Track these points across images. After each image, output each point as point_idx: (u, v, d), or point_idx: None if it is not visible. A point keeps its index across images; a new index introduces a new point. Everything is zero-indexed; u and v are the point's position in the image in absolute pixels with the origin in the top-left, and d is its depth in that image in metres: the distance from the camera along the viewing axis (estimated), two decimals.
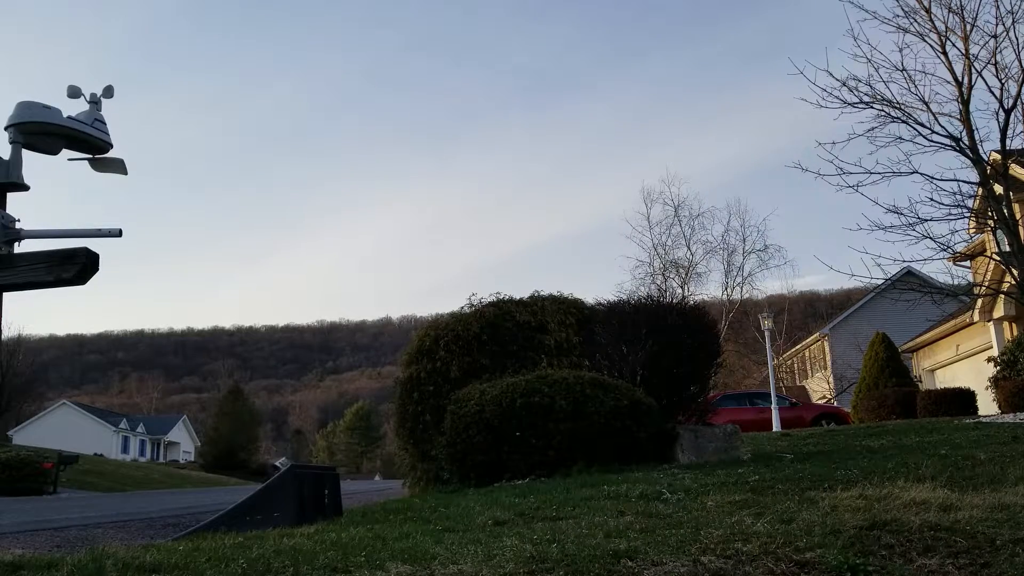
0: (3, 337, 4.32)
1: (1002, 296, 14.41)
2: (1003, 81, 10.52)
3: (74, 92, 3.88)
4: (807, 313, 47.10)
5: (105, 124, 3.93)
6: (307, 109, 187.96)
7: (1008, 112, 10.48)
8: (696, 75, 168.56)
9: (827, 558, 2.44)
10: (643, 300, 9.69)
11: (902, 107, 10.82)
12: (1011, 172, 11.54)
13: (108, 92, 3.93)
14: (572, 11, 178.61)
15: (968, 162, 10.86)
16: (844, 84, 10.88)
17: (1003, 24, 10.46)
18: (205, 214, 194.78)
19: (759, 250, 37.73)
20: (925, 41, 10.99)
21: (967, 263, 13.49)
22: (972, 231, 13.66)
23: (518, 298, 9.59)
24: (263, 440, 70.24)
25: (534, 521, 3.77)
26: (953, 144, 10.73)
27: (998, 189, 11.02)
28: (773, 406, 19.06)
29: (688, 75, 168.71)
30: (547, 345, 9.06)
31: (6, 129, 3.70)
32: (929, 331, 21.43)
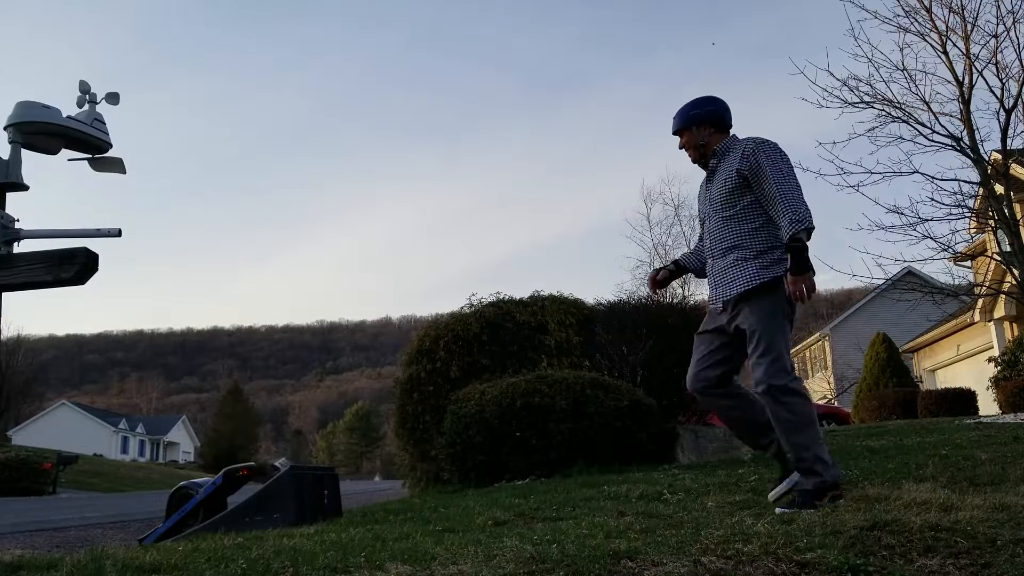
0: (3, 337, 4.32)
1: (1003, 296, 14.40)
2: (1004, 81, 10.51)
3: (85, 87, 3.87)
4: (807, 313, 47.04)
5: (104, 124, 3.92)
6: (308, 109, 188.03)
7: (1009, 112, 10.46)
8: (697, 74, 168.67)
9: (828, 558, 2.43)
10: (643, 300, 9.67)
11: (903, 107, 10.80)
12: (1012, 172, 11.53)
13: (113, 99, 3.92)
14: (575, 10, 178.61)
15: (969, 162, 10.84)
16: (844, 84, 10.85)
17: (1004, 24, 10.44)
18: (205, 214, 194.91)
19: None
20: (926, 40, 10.97)
21: (968, 263, 13.47)
22: (973, 231, 13.64)
23: (518, 298, 9.57)
24: (263, 440, 70.36)
25: (534, 522, 3.76)
26: (954, 144, 10.72)
27: (999, 189, 11.01)
28: None
29: (689, 74, 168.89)
30: (547, 345, 9.05)
31: (5, 129, 3.69)
32: (930, 331, 21.42)
